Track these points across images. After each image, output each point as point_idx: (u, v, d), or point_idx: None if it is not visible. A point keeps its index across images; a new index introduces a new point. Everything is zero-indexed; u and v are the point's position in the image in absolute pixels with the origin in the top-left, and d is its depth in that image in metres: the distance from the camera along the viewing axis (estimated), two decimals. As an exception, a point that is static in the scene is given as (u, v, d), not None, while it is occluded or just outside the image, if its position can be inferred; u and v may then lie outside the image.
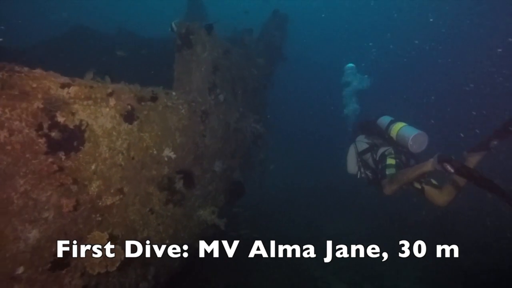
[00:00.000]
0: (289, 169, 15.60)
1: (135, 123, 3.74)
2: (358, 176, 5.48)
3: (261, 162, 9.04)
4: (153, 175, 4.20)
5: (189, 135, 4.94)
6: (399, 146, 4.65)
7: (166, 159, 4.39)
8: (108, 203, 3.39)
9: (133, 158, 3.79)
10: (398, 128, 4.51)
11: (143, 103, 3.79)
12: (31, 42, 11.32)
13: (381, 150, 4.81)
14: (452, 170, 3.53)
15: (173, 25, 4.78)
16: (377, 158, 4.81)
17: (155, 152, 4.17)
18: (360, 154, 5.33)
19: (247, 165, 8.09)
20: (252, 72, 7.72)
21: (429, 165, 3.86)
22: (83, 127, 3.02)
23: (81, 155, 3.04)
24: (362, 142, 5.38)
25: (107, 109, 3.28)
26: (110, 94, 3.27)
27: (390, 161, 4.46)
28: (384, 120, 4.99)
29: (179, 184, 4.82)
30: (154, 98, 3.90)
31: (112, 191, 3.48)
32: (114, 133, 3.43)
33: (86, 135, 3.07)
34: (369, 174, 5.16)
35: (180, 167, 4.85)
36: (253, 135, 7.07)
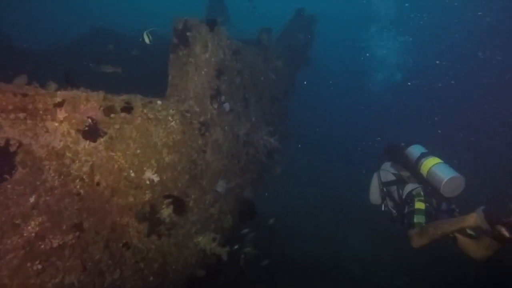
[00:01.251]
0: (306, 176, 14.52)
1: (102, 140, 2.97)
2: (382, 209, 4.65)
3: (277, 178, 8.11)
4: (129, 203, 3.41)
5: (183, 151, 4.13)
6: (429, 186, 4.00)
7: (148, 182, 3.59)
8: (55, 244, 2.62)
9: (98, 184, 3.00)
10: (431, 165, 3.95)
11: (112, 115, 3.00)
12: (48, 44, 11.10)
13: (408, 187, 4.21)
14: (508, 235, 2.89)
15: (145, 36, 4.09)
16: (404, 196, 4.20)
17: (132, 174, 3.38)
18: (384, 185, 4.54)
19: (260, 181, 7.20)
20: (269, 76, 6.84)
21: (470, 221, 3.28)
22: (12, 149, 2.25)
23: (9, 186, 2.27)
24: (387, 172, 4.60)
25: (55, 124, 2.51)
26: (59, 105, 2.50)
27: (419, 205, 3.88)
28: (415, 150, 4.29)
29: (167, 211, 4.01)
30: (127, 109, 3.10)
31: (64, 228, 2.70)
32: (68, 154, 2.66)
33: (18, 158, 2.30)
34: (394, 210, 4.41)
35: (171, 190, 4.04)
36: (266, 149, 6.16)
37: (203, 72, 4.39)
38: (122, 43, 11.25)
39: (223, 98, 4.92)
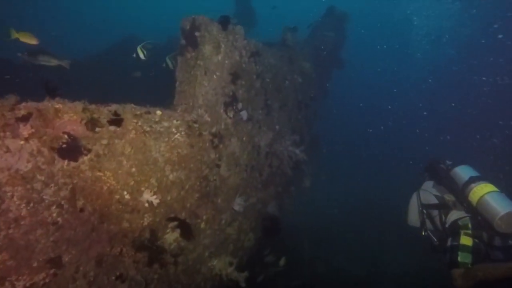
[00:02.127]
0: (337, 187, 13.58)
1: (86, 159, 2.52)
2: (422, 233, 3.97)
3: (305, 191, 7.42)
4: (123, 229, 2.94)
5: (191, 167, 3.62)
6: (479, 216, 3.39)
7: (146, 205, 3.11)
8: (22, 285, 2.18)
9: (82, 210, 2.55)
10: (483, 193, 3.37)
11: (97, 129, 2.54)
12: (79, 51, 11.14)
13: (453, 215, 3.65)
14: None
15: (168, 61, 3.66)
16: (447, 224, 3.65)
17: (126, 196, 2.91)
18: (424, 207, 3.95)
19: (286, 195, 6.56)
20: (295, 80, 6.21)
21: None
22: (-42, 175, 1.83)
23: (-44, 220, 1.85)
24: (428, 193, 3.99)
25: (18, 142, 2.08)
26: (23, 119, 2.06)
27: (465, 240, 3.34)
28: (463, 172, 3.71)
29: (173, 236, 3.51)
30: (116, 121, 2.63)
31: (34, 265, 2.26)
32: (38, 176, 2.23)
33: (-32, 186, 1.88)
34: (434, 238, 3.79)
35: (177, 211, 3.55)
36: (291, 161, 5.53)
37: (215, 76, 3.87)
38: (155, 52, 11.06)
39: (240, 105, 4.37)
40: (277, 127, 5.50)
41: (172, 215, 3.47)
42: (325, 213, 10.59)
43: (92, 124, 2.48)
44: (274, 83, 5.43)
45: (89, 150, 2.52)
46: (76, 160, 2.43)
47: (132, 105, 2.85)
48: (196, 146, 3.67)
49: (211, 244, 4.28)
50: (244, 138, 4.61)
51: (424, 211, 3.94)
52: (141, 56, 3.78)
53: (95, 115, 2.50)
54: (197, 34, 3.63)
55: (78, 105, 2.37)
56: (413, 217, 4.13)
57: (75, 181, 2.46)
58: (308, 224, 9.22)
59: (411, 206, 4.17)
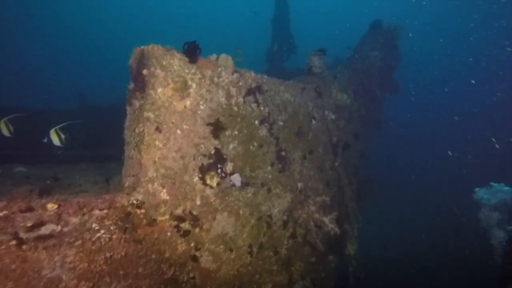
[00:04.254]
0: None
1: None
2: None
3: (352, 258, 5.61)
4: None
5: (138, 273, 2.33)
6: None
7: None
8: None
9: None
10: None
11: None
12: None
13: None
14: None
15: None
16: None
17: None
18: None
19: (322, 267, 4.88)
20: (326, 117, 4.71)
21: None
22: None
23: None
24: None
25: None
26: None
27: None
28: None
29: None
30: None
31: None
32: None
33: None
34: None
35: None
36: (321, 232, 3.95)
37: (179, 132, 2.61)
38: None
39: (229, 166, 3.03)
40: (299, 185, 4.01)
41: None
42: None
43: None
44: (293, 126, 4.01)
45: None
46: None
47: None
48: (146, 240, 2.39)
49: None
50: (242, 211, 3.22)
51: None
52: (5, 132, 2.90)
53: None
54: (145, 72, 2.43)
55: None
56: None
57: None
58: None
59: None
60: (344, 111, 5.28)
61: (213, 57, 3.03)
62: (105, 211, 2.14)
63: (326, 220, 3.82)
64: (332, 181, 4.89)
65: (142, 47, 2.50)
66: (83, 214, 2.04)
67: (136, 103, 2.53)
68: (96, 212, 2.10)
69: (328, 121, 4.79)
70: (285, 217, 3.83)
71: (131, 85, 2.57)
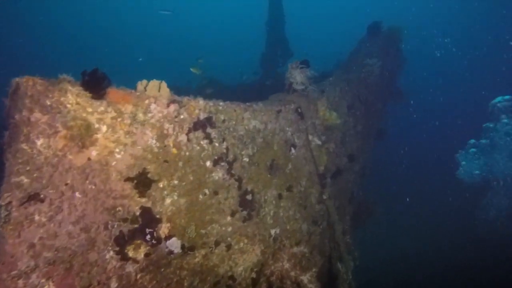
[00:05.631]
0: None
1: None
2: None
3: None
4: None
5: None
6: None
7: None
8: None
9: None
10: None
11: None
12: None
13: None
14: None
15: None
16: None
17: None
18: None
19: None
20: (310, 142, 3.92)
21: None
22: None
23: None
24: None
25: None
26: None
27: None
28: None
29: None
30: None
31: None
32: None
33: None
34: None
35: None
36: (301, 292, 3.17)
37: (78, 196, 1.88)
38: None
39: (164, 228, 2.29)
40: (273, 231, 3.24)
41: None
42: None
43: None
44: (263, 160, 3.24)
45: None
46: None
47: None
48: None
49: None
50: (187, 283, 2.47)
51: None
52: None
53: None
54: (17, 118, 1.71)
55: None
56: None
57: None
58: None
59: None
60: (335, 132, 4.48)
61: (141, 85, 2.29)
62: None
63: (304, 279, 3.05)
64: (320, 216, 4.11)
65: (16, 79, 1.78)
66: None
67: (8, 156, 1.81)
68: None
69: (313, 147, 4.00)
70: (253, 275, 3.07)
71: (5, 135, 1.85)
